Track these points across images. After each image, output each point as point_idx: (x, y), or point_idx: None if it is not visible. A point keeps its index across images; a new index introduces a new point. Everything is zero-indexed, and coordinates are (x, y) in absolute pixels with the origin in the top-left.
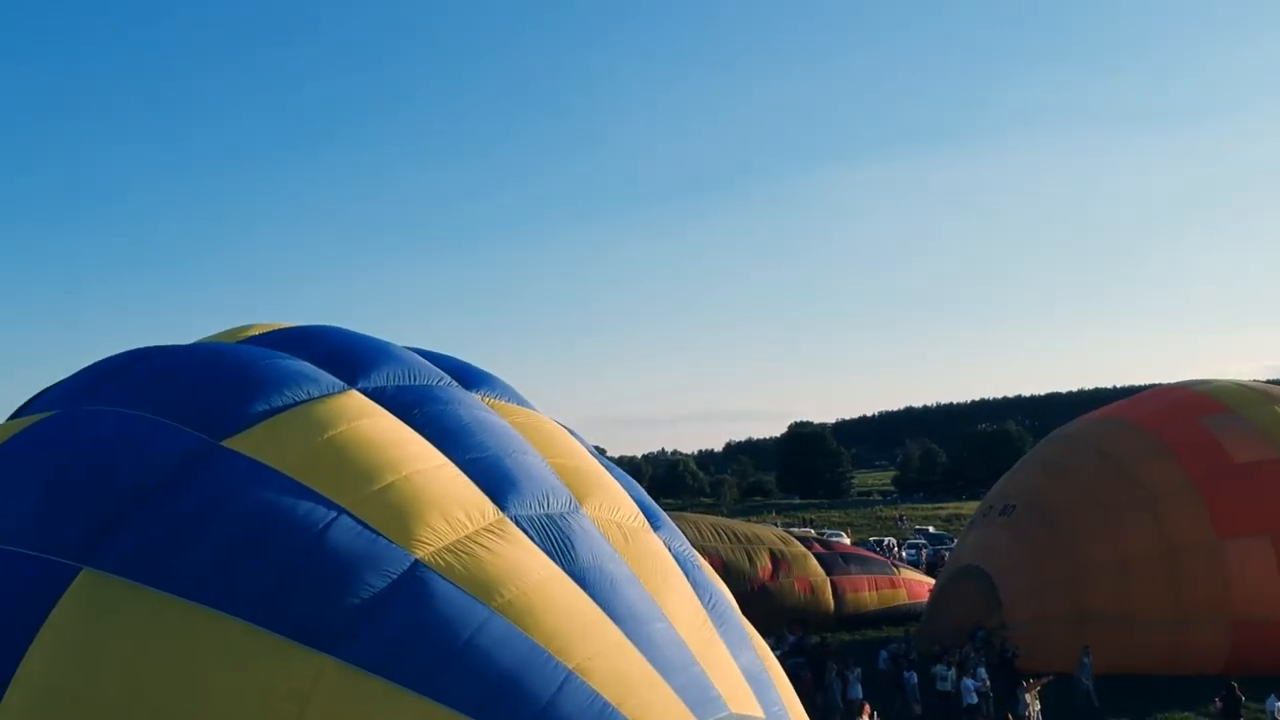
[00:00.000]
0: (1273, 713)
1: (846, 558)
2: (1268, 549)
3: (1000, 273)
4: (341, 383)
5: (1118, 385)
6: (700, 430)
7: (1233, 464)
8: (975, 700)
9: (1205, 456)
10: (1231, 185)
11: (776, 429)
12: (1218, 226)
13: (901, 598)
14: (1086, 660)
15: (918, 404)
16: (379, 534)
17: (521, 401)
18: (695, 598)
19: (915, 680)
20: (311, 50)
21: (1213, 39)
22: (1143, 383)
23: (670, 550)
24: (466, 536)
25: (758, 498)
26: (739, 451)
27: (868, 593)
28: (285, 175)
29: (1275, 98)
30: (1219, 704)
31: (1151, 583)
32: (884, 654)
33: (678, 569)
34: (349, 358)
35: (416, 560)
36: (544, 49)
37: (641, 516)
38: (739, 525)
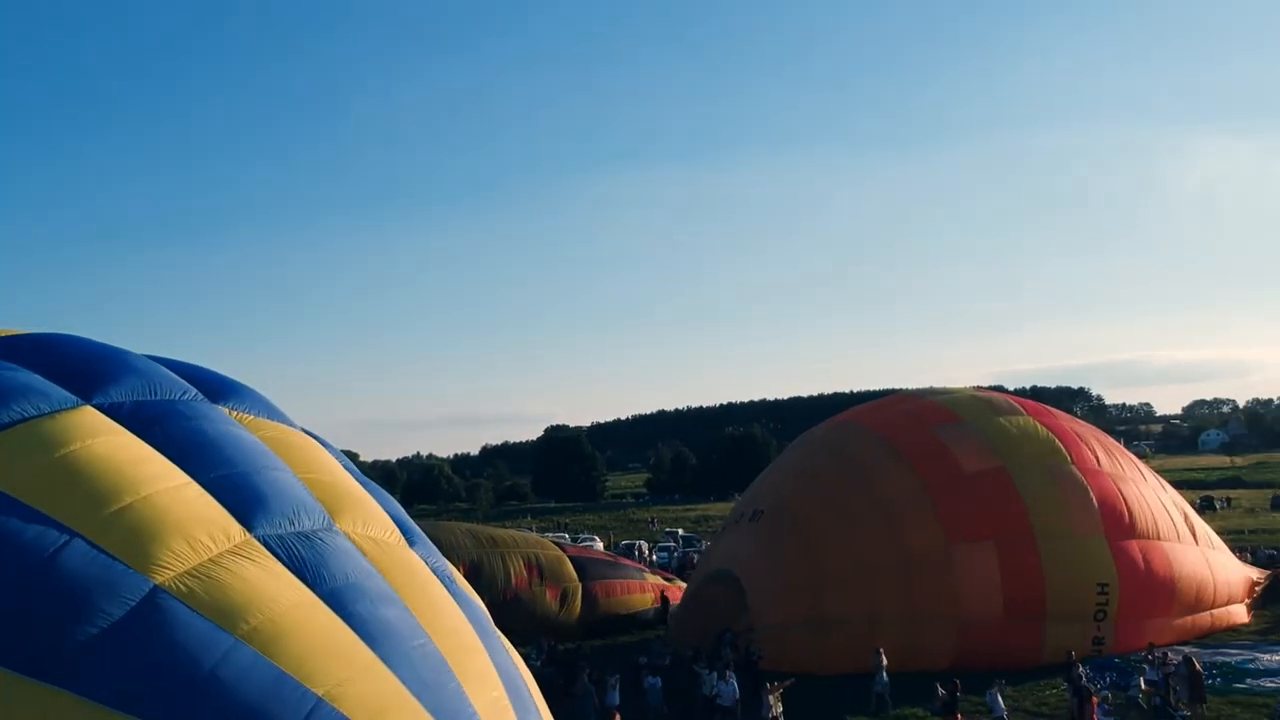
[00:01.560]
0: (991, 705)
1: (600, 563)
2: (991, 554)
3: (746, 281)
4: (74, 397)
5: (855, 390)
6: (456, 434)
7: (962, 473)
8: (731, 704)
9: (938, 465)
10: (960, 204)
11: (533, 433)
12: (943, 243)
13: (650, 601)
14: (880, 661)
15: (670, 407)
16: (115, 559)
17: (273, 414)
18: (455, 613)
19: (659, 685)
20: None
21: (952, 65)
22: (880, 388)
23: (427, 564)
24: (210, 560)
25: (513, 502)
26: (495, 455)
27: (620, 597)
28: None
29: (987, 127)
30: (941, 695)
31: (887, 586)
32: (642, 659)
33: (437, 583)
34: (83, 369)
35: (156, 586)
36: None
37: (398, 532)
38: (494, 531)
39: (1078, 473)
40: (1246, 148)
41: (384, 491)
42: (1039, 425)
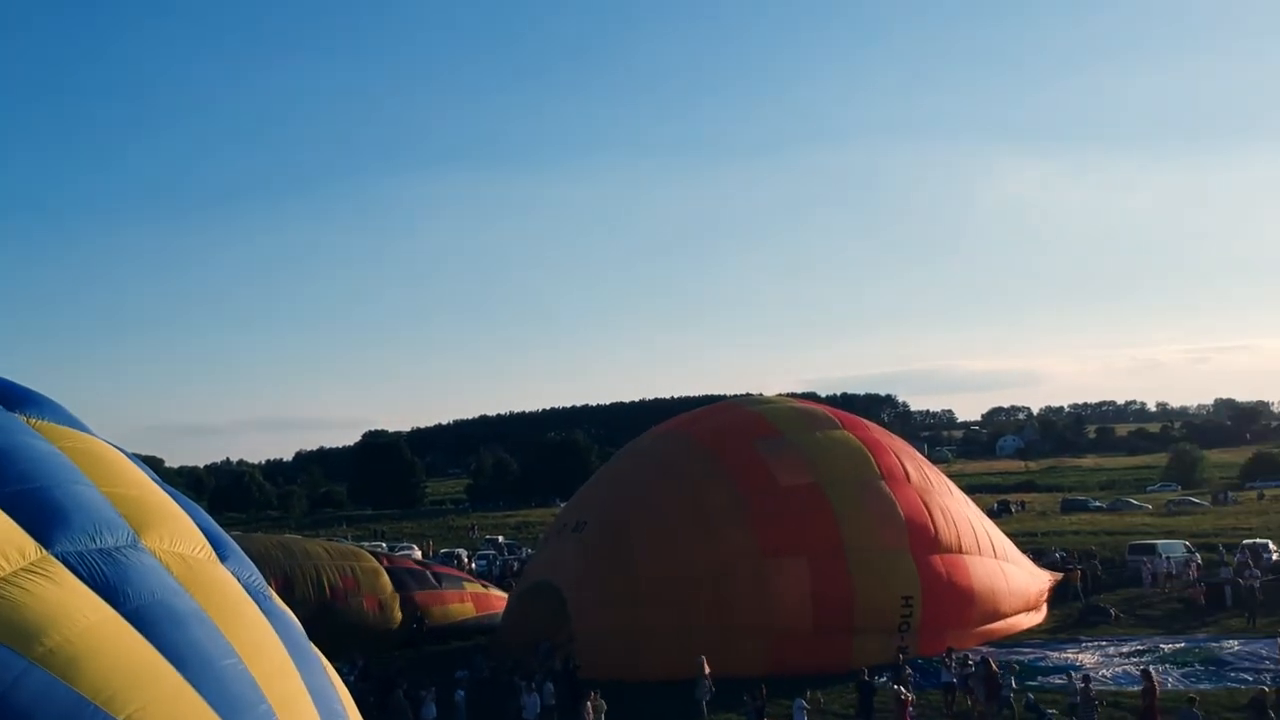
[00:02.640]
0: (796, 716)
1: (418, 573)
2: (803, 568)
3: (569, 286)
4: None
5: (676, 396)
6: (268, 439)
7: (779, 487)
8: (534, 716)
9: (756, 479)
10: (776, 214)
11: (350, 438)
12: (760, 252)
13: (470, 611)
14: (703, 668)
15: (492, 412)
16: None
17: (74, 423)
18: (268, 630)
19: (463, 698)
20: None
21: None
22: (700, 394)
23: (240, 581)
24: (3, 579)
25: (328, 509)
26: (310, 461)
27: (438, 608)
28: None
29: (801, 140)
30: (750, 702)
31: (704, 598)
32: (460, 674)
33: (249, 600)
34: None
35: None
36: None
37: (209, 547)
38: (308, 543)
39: (887, 488)
40: (1042, 169)
41: (194, 504)
42: (853, 439)
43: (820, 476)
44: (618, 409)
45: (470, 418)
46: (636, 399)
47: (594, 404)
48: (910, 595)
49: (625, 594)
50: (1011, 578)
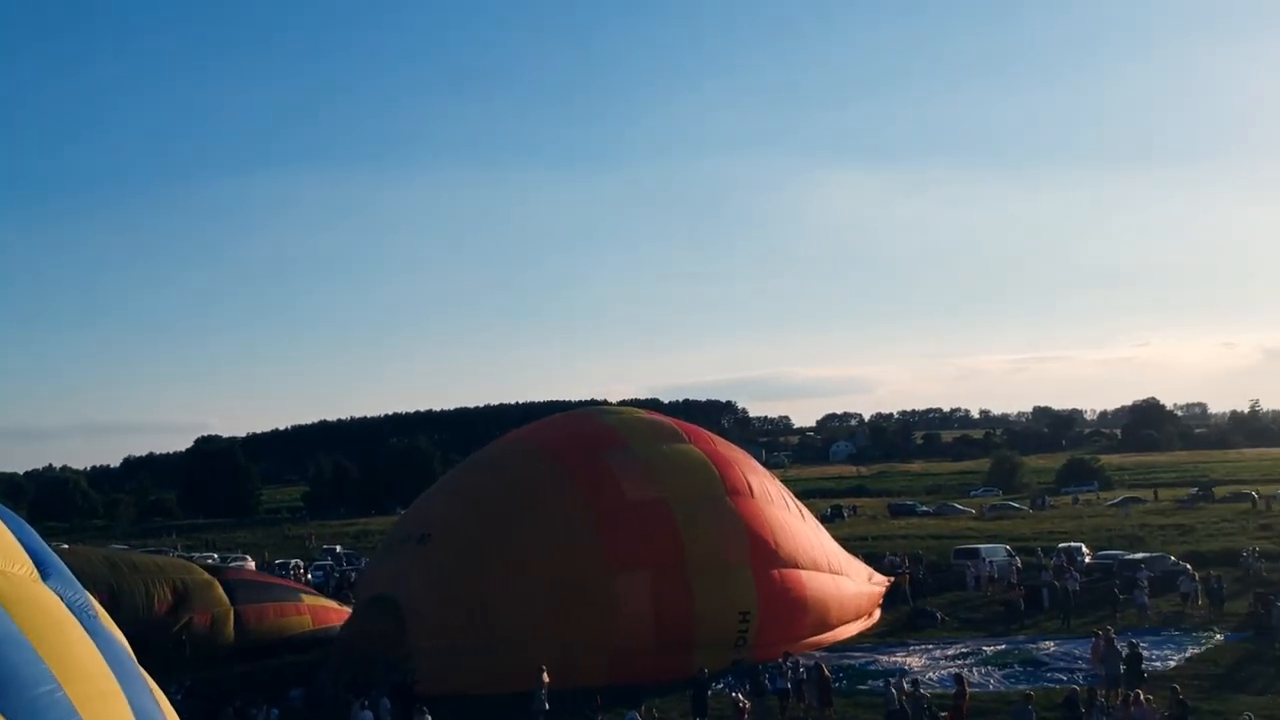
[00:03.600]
0: None
1: (252, 585)
2: (646, 583)
3: (413, 289)
4: None
5: (521, 402)
6: (94, 444)
7: (626, 501)
8: None
9: (604, 492)
10: (620, 222)
11: (182, 443)
12: (603, 259)
13: (307, 624)
14: (541, 679)
15: (332, 417)
16: None
17: None
18: (92, 651)
19: (276, 715)
20: None
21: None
22: (545, 400)
23: (64, 601)
24: None
25: (158, 518)
26: (138, 468)
27: (274, 621)
28: None
29: (645, 150)
30: (588, 714)
31: (548, 613)
32: (295, 692)
33: (74, 622)
34: None
35: None
36: None
37: (30, 564)
38: (135, 556)
39: (731, 503)
40: (877, 183)
41: (16, 517)
42: (699, 453)
43: (666, 491)
44: (463, 415)
45: (309, 423)
46: (482, 404)
47: (438, 409)
48: (748, 611)
49: (470, 609)
50: (845, 590)
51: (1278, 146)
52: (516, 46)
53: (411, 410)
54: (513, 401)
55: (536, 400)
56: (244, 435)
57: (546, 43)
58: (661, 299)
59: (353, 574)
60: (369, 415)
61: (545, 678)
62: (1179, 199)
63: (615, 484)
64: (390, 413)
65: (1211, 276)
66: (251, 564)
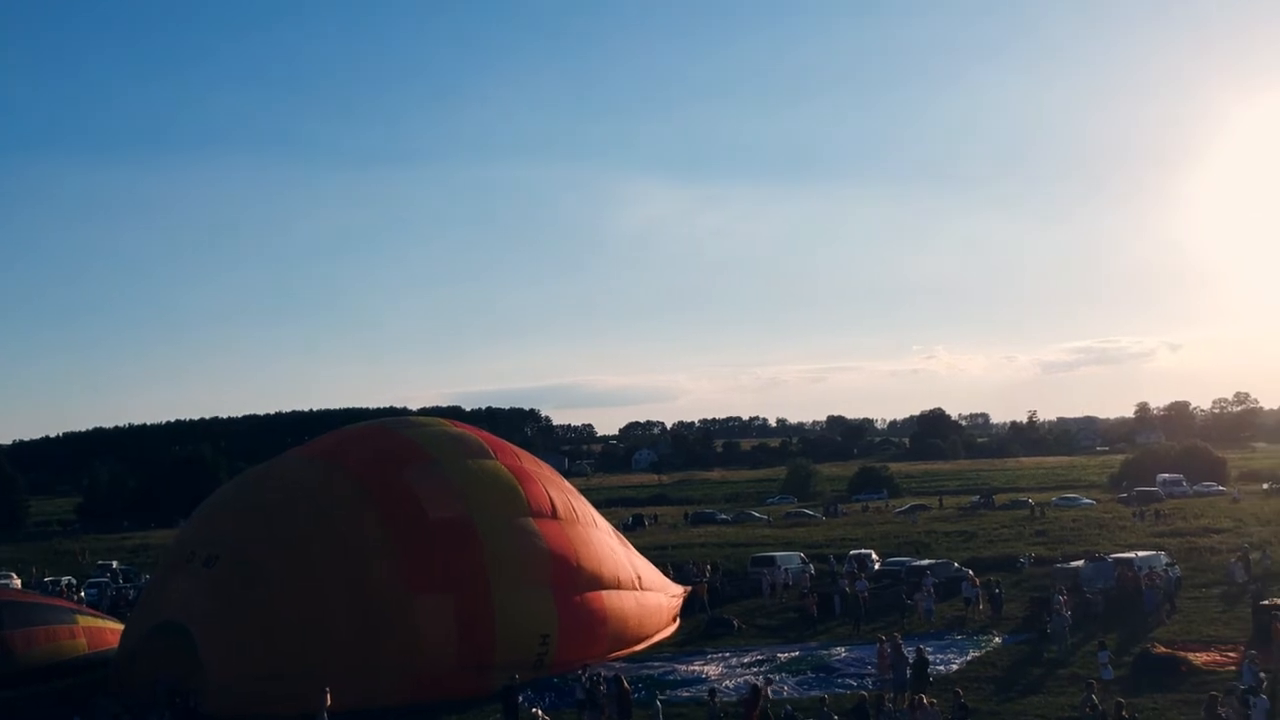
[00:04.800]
0: None
1: (18, 605)
2: (449, 605)
3: (199, 290)
4: None
5: (314, 409)
6: None
7: (428, 520)
8: None
9: (405, 512)
10: (422, 226)
11: None
12: (403, 263)
13: (83, 648)
14: (324, 701)
15: (108, 424)
16: None
17: None
18: None
19: None
20: None
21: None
22: (339, 407)
23: None
24: None
25: None
26: None
27: (43, 645)
28: None
29: (450, 155)
30: None
31: (347, 637)
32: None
33: None
34: None
35: None
36: None
37: None
38: None
39: (534, 523)
40: (682, 195)
41: None
42: (504, 470)
43: (470, 509)
44: (251, 422)
45: (83, 430)
46: (272, 411)
47: (224, 416)
48: (548, 634)
49: (262, 634)
50: (645, 605)
51: (1057, 175)
52: (312, 44)
53: (195, 417)
54: (306, 409)
55: (332, 408)
56: (10, 443)
57: (343, 40)
58: (464, 305)
59: (131, 592)
60: (149, 422)
61: (328, 699)
62: (968, 220)
63: (417, 503)
64: (172, 420)
65: (995, 294)
66: (17, 582)
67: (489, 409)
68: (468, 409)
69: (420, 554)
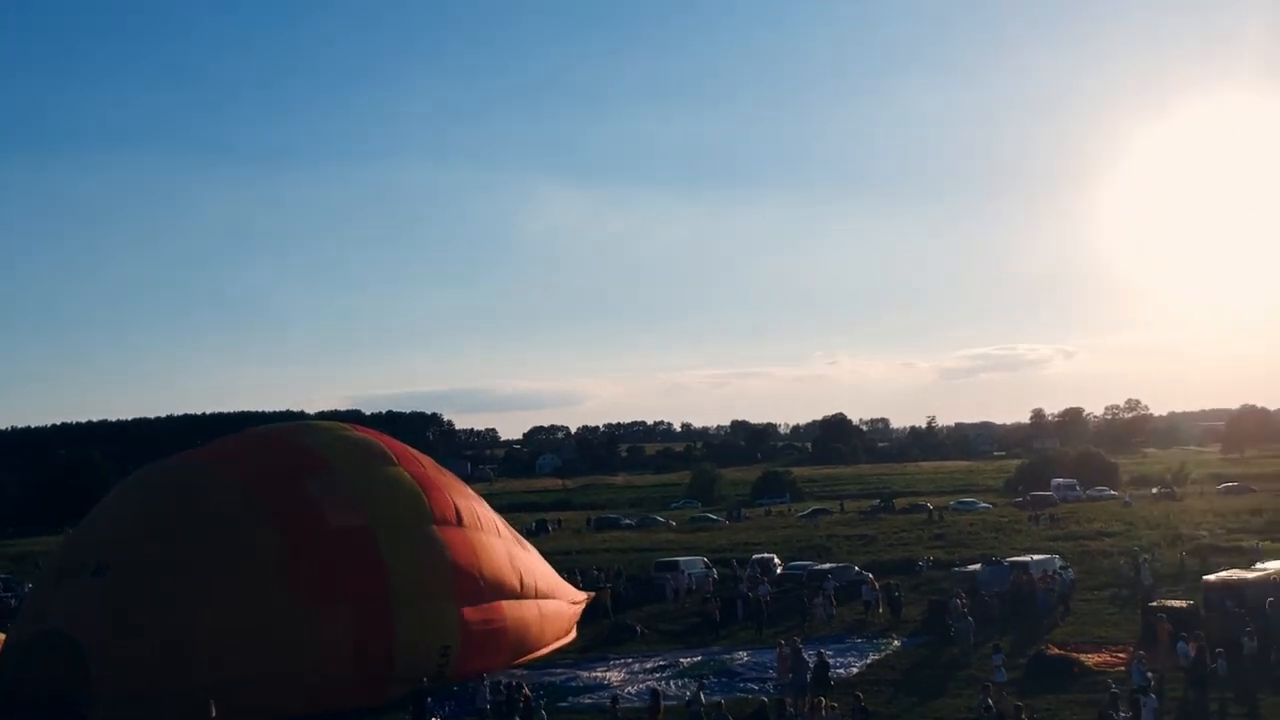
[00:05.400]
0: None
1: None
2: (347, 617)
3: (83, 287)
4: None
5: (208, 412)
6: None
7: (327, 530)
8: None
9: (304, 521)
10: (317, 227)
11: None
12: (299, 263)
13: None
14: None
15: None
16: None
17: None
18: None
19: None
20: None
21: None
22: (234, 410)
23: None
24: None
25: None
26: None
27: None
28: None
29: (339, 154)
30: None
31: (243, 650)
32: None
33: None
34: None
35: None
36: None
37: None
38: None
39: (438, 532)
40: (588, 198)
41: None
42: (407, 477)
43: (371, 519)
44: (142, 425)
45: None
46: (164, 414)
47: (112, 419)
48: (449, 645)
49: (155, 648)
50: (547, 613)
51: (959, 185)
52: (196, 38)
53: (83, 420)
54: (200, 412)
55: (227, 411)
56: None
57: (231, 35)
58: (364, 306)
59: (12, 601)
60: (33, 425)
61: (212, 710)
62: (872, 227)
63: (316, 512)
64: (58, 422)
65: (896, 301)
66: None
67: (390, 413)
68: (368, 413)
69: (318, 565)
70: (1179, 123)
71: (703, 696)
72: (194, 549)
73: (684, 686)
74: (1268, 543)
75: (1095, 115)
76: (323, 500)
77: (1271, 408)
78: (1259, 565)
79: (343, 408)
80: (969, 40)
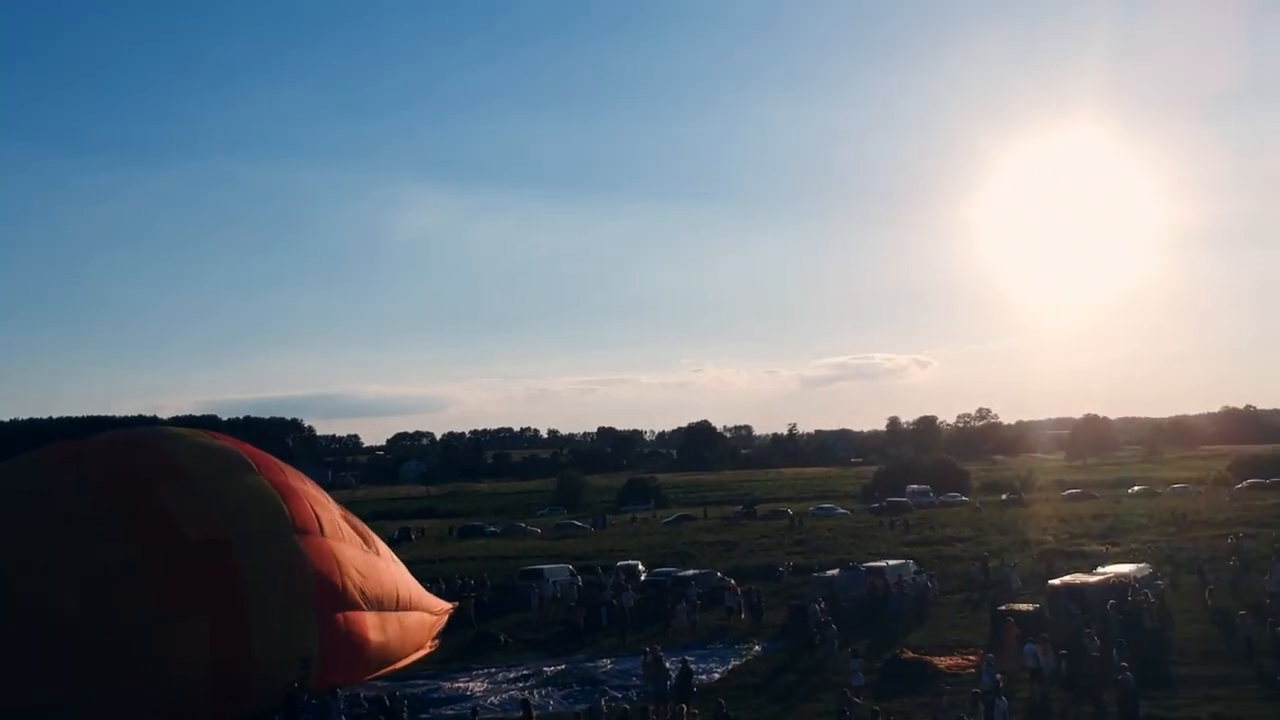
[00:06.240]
0: None
1: None
2: (204, 632)
3: None
4: None
5: (56, 416)
6: None
7: (183, 541)
8: None
9: (158, 531)
10: (178, 226)
11: None
12: (155, 264)
13: None
14: None
15: None
16: None
17: None
18: None
19: None
20: None
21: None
22: (84, 414)
23: None
24: None
25: None
26: None
27: None
28: None
29: (205, 152)
30: None
31: (95, 665)
32: None
33: None
34: None
35: None
36: None
37: None
38: None
39: (300, 542)
40: (454, 203)
41: None
42: (267, 485)
43: (230, 529)
44: None
45: None
46: (7, 419)
47: None
48: (309, 658)
49: (5, 664)
50: (410, 624)
51: (822, 199)
52: (69, 34)
53: None
54: (45, 416)
55: (75, 415)
56: None
57: (90, 27)
58: (221, 308)
59: None
60: None
61: None
62: (738, 238)
63: (171, 522)
64: None
65: (760, 310)
66: None
67: (248, 418)
68: (225, 418)
69: (173, 576)
70: (1030, 144)
71: (604, 705)
72: (40, 557)
73: (547, 696)
74: (1109, 546)
75: (952, 133)
76: (179, 508)
77: (1113, 417)
78: (1100, 569)
79: (198, 413)
80: (833, 56)
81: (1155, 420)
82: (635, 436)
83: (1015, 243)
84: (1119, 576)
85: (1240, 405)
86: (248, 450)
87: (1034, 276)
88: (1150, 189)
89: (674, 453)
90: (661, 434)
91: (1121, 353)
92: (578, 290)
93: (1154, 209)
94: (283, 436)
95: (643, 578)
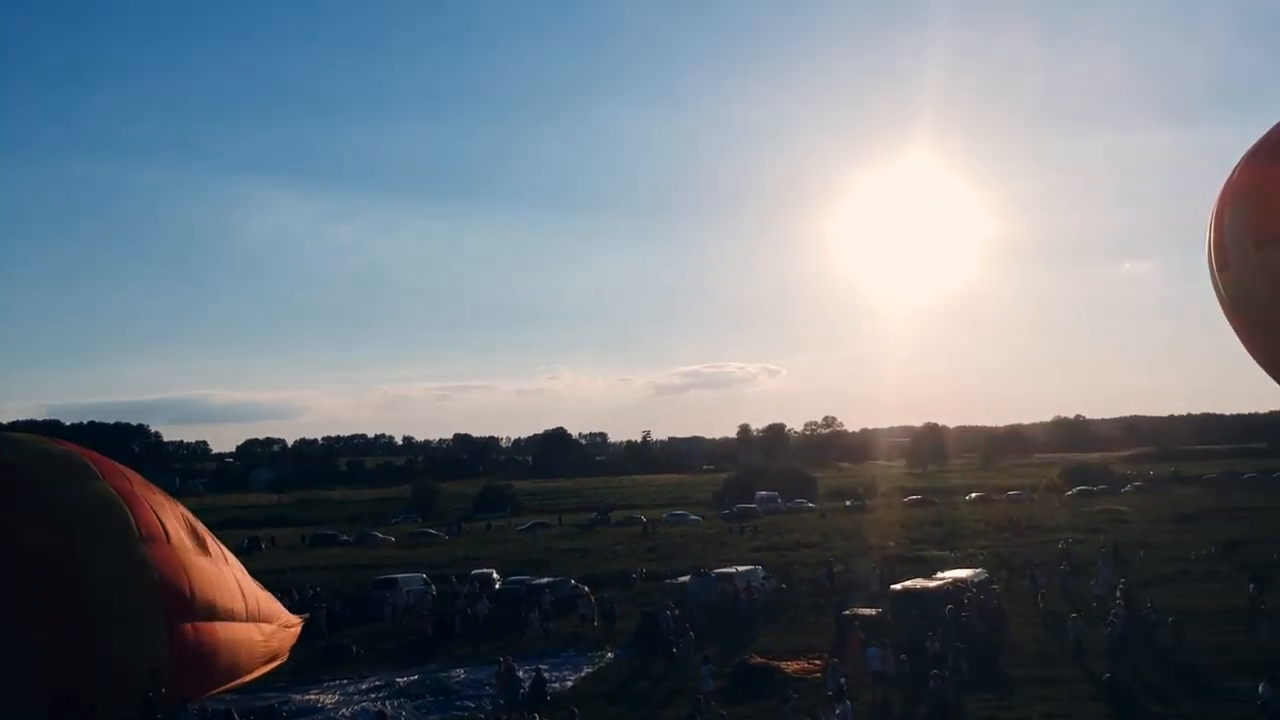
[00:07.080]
0: None
1: None
2: (43, 647)
3: None
4: None
5: None
6: None
7: (24, 549)
8: None
9: None
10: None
11: None
12: None
13: None
14: None
15: None
16: None
17: None
18: None
19: None
20: None
21: None
22: None
23: None
24: None
25: None
26: None
27: None
28: None
29: (67, 145)
30: None
31: None
32: None
33: None
34: None
35: None
36: None
37: None
38: None
39: (145, 551)
40: (308, 205)
41: None
42: (112, 493)
43: (72, 537)
44: None
45: None
46: None
47: None
48: (158, 669)
49: None
50: (260, 636)
51: (676, 210)
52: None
53: None
54: None
55: None
56: None
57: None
58: (60, 308)
59: None
60: None
61: None
62: (593, 246)
63: (10, 530)
64: None
65: (615, 318)
66: None
67: (91, 423)
68: (67, 423)
69: (12, 587)
70: (875, 159)
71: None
72: None
73: (400, 707)
74: (947, 552)
75: (805, 148)
76: (16, 519)
77: (951, 425)
78: (939, 574)
79: (39, 417)
80: (687, 67)
81: (991, 429)
82: (491, 443)
83: (861, 255)
84: (957, 581)
85: (1071, 415)
86: (90, 456)
87: (878, 288)
88: (987, 205)
89: (530, 459)
90: (518, 440)
91: (960, 364)
92: (435, 295)
93: (991, 224)
94: (128, 442)
95: (497, 586)
